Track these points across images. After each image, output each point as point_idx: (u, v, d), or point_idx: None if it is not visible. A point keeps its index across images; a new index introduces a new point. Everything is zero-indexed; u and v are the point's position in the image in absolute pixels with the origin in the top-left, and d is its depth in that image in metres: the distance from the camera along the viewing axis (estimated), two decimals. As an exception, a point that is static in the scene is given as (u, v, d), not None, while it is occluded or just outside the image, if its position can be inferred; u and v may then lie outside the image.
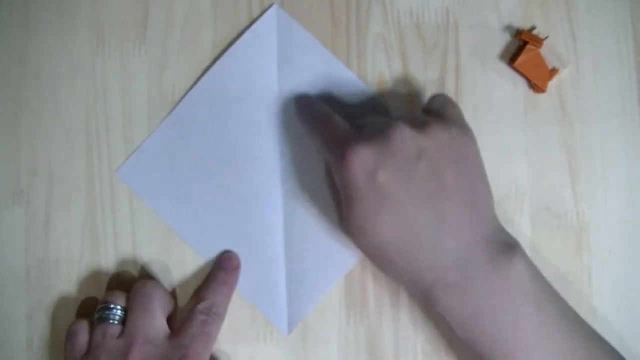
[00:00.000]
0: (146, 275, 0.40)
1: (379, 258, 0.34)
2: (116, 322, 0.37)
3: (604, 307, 0.39)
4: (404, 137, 0.33)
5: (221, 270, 0.39)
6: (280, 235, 0.40)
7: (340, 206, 0.35)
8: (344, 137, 0.34)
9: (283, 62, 0.40)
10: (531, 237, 0.40)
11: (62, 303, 0.41)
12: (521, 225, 0.40)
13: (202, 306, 0.37)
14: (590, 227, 0.40)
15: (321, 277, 0.40)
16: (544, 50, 0.40)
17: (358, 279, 0.40)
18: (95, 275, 0.41)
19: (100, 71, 0.42)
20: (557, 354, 0.32)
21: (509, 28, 0.41)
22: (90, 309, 0.40)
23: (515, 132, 0.40)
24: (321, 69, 0.40)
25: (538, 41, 0.39)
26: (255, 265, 0.40)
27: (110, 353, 0.35)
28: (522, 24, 0.41)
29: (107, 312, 0.37)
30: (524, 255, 0.33)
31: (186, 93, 0.41)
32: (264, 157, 0.40)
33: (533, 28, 0.41)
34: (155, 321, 0.36)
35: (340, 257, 0.40)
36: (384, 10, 0.41)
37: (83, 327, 0.37)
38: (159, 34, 0.42)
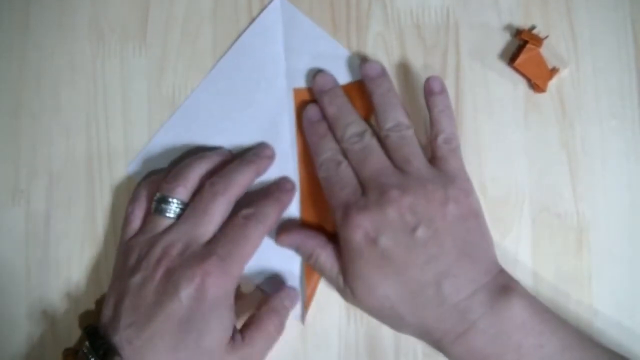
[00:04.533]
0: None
1: (387, 317, 0.36)
2: (172, 216, 0.37)
3: (604, 307, 0.39)
4: (401, 208, 0.35)
5: (275, 186, 0.39)
6: (297, 219, 0.40)
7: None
8: (346, 198, 0.36)
9: (290, 52, 0.41)
10: (531, 237, 0.40)
11: (62, 303, 0.41)
12: (521, 225, 0.40)
13: (245, 211, 0.37)
14: (590, 227, 0.40)
15: None
16: (543, 50, 0.40)
17: (358, 279, 0.40)
18: (95, 275, 0.41)
19: (100, 71, 0.42)
20: None
21: (508, 27, 0.41)
22: (91, 311, 0.40)
23: (515, 132, 0.40)
24: (327, 57, 0.41)
25: (538, 40, 0.39)
26: (270, 254, 0.39)
27: (153, 241, 0.36)
28: (522, 23, 0.41)
29: (164, 205, 0.36)
30: (522, 294, 0.34)
31: (193, 89, 0.41)
32: (275, 147, 0.40)
33: (533, 27, 0.41)
34: (209, 226, 0.36)
35: None
36: (384, 10, 0.41)
37: (138, 215, 0.38)
38: (159, 34, 0.42)
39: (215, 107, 0.41)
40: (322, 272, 0.38)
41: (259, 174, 0.39)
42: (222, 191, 0.36)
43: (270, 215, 0.37)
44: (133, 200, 0.38)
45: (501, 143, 0.40)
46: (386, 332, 0.40)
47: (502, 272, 0.36)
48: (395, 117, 0.38)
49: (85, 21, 0.42)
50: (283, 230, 0.39)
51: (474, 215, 0.36)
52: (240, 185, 0.37)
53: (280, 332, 0.37)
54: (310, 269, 0.39)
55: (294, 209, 0.40)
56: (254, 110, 0.41)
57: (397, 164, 0.37)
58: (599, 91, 0.40)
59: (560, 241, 0.40)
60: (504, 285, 0.34)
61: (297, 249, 0.38)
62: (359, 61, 0.41)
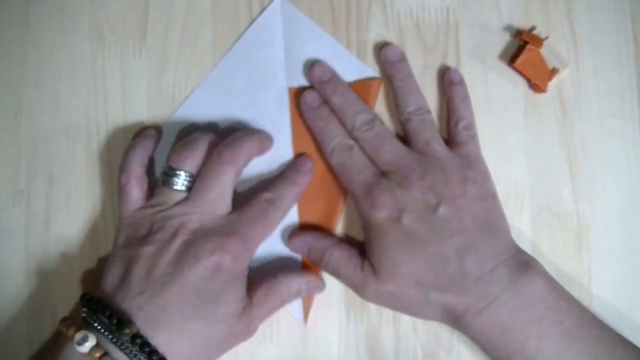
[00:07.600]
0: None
1: (410, 297, 0.36)
2: (181, 189, 0.37)
3: (604, 307, 0.39)
4: (423, 188, 0.36)
5: (293, 170, 0.39)
6: (295, 221, 0.40)
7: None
8: (365, 181, 0.37)
9: (290, 52, 0.41)
10: (531, 237, 0.40)
11: (62, 303, 0.41)
12: (521, 225, 0.40)
13: (267, 195, 0.37)
14: (590, 227, 0.40)
15: None
16: (544, 50, 0.40)
17: (358, 279, 0.40)
18: (95, 276, 0.41)
19: (100, 71, 0.42)
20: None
21: (509, 28, 0.41)
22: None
23: (515, 132, 0.40)
24: (328, 57, 0.41)
25: (538, 41, 0.39)
26: (271, 252, 0.40)
27: (167, 215, 0.36)
28: (522, 23, 0.41)
29: (173, 178, 0.37)
30: (541, 271, 0.36)
31: (193, 89, 0.41)
32: (275, 147, 0.40)
33: (533, 28, 0.41)
34: (222, 199, 0.37)
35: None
36: (384, 11, 0.41)
37: (135, 185, 0.37)
38: (159, 34, 0.42)
39: (215, 107, 0.41)
40: (337, 270, 0.38)
41: (262, 147, 0.39)
42: (229, 159, 0.37)
43: (288, 200, 0.38)
44: (126, 170, 0.38)
45: (501, 143, 0.40)
46: (386, 332, 0.40)
47: (520, 250, 0.37)
48: (417, 101, 0.39)
49: (85, 21, 0.42)
50: (292, 235, 0.39)
51: (492, 197, 0.38)
52: (246, 153, 0.37)
53: (284, 305, 0.38)
54: (311, 269, 0.39)
55: (292, 210, 0.40)
56: (254, 110, 0.41)
57: (418, 147, 0.38)
58: (599, 91, 0.40)
59: (560, 241, 0.40)
60: (524, 262, 0.36)
61: (309, 253, 0.39)
62: (359, 61, 0.41)
